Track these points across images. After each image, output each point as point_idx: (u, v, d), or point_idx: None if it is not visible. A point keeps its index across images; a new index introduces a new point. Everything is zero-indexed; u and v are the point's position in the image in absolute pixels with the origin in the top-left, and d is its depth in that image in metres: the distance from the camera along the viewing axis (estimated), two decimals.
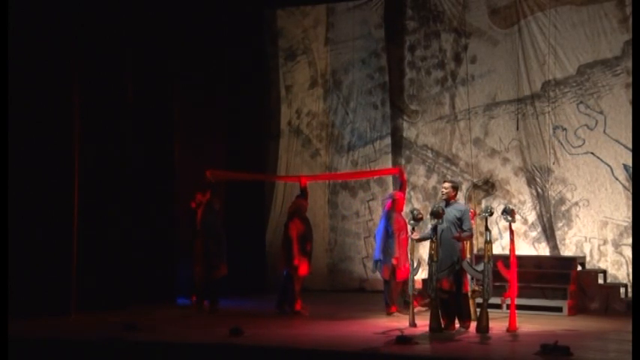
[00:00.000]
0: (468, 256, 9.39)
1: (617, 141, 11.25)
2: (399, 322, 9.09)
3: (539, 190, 11.68)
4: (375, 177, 12.70)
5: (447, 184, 8.92)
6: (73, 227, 9.67)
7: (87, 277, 9.80)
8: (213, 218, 10.37)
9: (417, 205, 11.98)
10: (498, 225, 11.44)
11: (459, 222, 8.69)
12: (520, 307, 9.22)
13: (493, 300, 8.83)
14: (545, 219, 11.60)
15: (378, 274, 10.29)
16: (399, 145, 12.71)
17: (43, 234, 9.53)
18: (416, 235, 9.04)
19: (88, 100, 10.01)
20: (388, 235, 9.80)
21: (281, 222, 13.15)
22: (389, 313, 9.78)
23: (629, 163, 11.11)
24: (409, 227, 9.37)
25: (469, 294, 9.17)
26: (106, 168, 10.37)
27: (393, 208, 9.93)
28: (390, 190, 12.66)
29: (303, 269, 10.00)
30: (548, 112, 11.66)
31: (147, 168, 11.03)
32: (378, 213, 12.70)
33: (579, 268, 10.77)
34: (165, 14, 11.27)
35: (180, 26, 11.51)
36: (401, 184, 10.55)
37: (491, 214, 8.72)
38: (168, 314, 10.00)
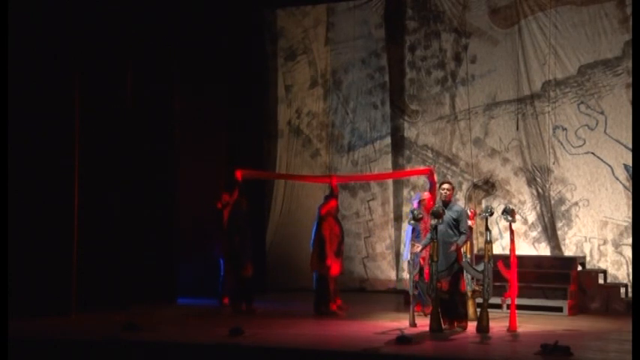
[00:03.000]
0: (468, 255, 9.39)
1: (617, 141, 11.25)
2: (399, 322, 9.08)
3: (539, 190, 11.68)
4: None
5: (447, 185, 8.92)
6: (74, 227, 9.66)
7: (87, 277, 9.80)
8: (240, 218, 10.33)
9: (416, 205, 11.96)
10: (498, 225, 11.44)
11: (456, 223, 8.69)
12: (520, 307, 9.23)
13: (493, 300, 8.84)
14: (545, 219, 11.60)
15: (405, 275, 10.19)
16: (399, 145, 12.70)
17: (43, 234, 9.52)
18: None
19: (88, 100, 10.00)
20: (416, 235, 9.72)
21: (281, 222, 13.21)
22: (427, 314, 9.21)
23: (630, 163, 11.11)
24: (409, 227, 9.35)
25: (468, 294, 9.17)
26: (106, 168, 10.36)
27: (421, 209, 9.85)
28: (390, 189, 12.68)
29: (335, 269, 9.97)
30: (549, 112, 11.66)
31: (147, 168, 11.02)
32: (378, 213, 12.71)
33: (579, 268, 10.76)
34: (166, 14, 11.26)
35: (180, 26, 11.50)
36: (431, 185, 10.32)
37: (492, 214, 8.73)
38: (169, 314, 10.00)
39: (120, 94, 10.66)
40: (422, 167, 12.34)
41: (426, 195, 10.07)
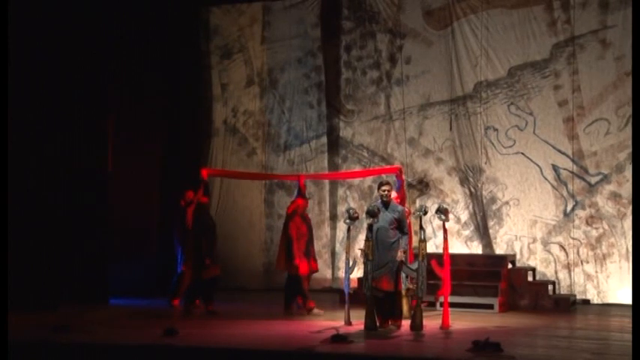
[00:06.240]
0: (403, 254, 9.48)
1: (545, 141, 11.54)
2: (334, 321, 9.13)
3: (472, 189, 11.90)
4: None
5: (387, 186, 8.88)
6: (5, 226, 9.40)
7: (16, 277, 9.55)
8: (206, 217, 10.21)
9: (352, 205, 12.05)
10: (432, 224, 11.60)
11: (397, 223, 8.72)
12: (453, 305, 9.39)
13: (427, 298, 8.96)
14: (477, 218, 11.82)
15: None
16: (335, 144, 12.77)
17: None
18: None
19: (22, 97, 9.76)
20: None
21: (216, 221, 13.09)
22: None
23: (558, 163, 11.43)
24: (345, 227, 9.38)
25: (403, 292, 9.28)
26: (39, 167, 10.15)
27: None
28: (327, 189, 12.73)
29: (304, 268, 9.92)
30: (480, 112, 11.89)
31: (81, 167, 10.82)
32: (314, 212, 12.74)
33: (510, 266, 11.01)
34: (100, 11, 11.06)
35: (114, 24, 11.31)
36: (399, 184, 10.11)
37: (426, 213, 8.84)
38: (101, 315, 9.83)
39: (53, 90, 10.43)
40: (358, 167, 12.44)
41: (394, 195, 10.00)
